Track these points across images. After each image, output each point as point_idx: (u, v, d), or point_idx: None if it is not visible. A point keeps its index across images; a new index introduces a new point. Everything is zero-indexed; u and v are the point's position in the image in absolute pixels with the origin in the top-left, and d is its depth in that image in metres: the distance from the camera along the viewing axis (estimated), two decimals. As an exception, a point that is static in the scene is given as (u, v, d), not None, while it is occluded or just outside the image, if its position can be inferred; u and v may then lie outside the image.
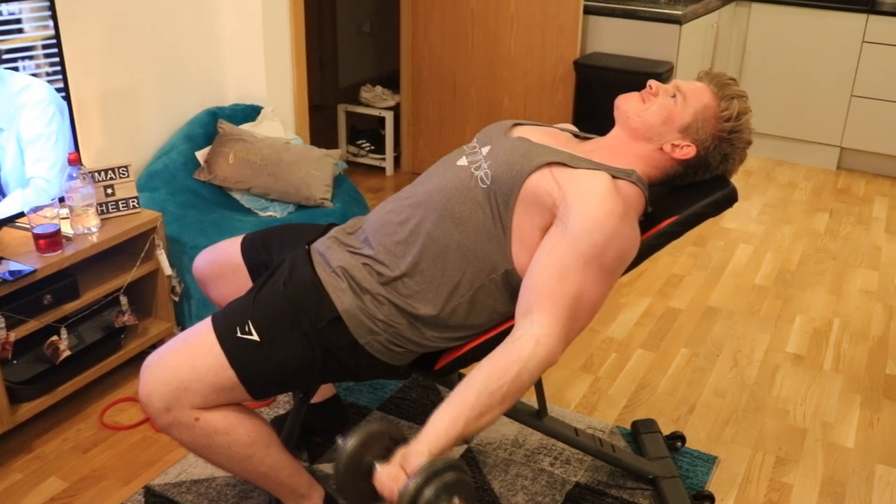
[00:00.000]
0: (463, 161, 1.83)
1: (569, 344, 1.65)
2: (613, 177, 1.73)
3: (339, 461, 1.49)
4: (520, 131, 1.91)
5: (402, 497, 1.40)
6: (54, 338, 2.44)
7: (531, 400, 2.48)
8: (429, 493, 1.40)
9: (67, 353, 2.46)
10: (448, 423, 1.52)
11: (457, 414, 1.52)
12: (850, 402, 2.75)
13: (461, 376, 2.10)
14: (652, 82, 1.87)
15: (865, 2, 4.75)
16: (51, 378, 2.45)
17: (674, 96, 1.85)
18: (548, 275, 1.61)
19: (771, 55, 5.06)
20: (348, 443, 1.50)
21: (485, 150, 1.83)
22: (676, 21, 4.03)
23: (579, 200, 1.64)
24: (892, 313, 3.35)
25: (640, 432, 2.47)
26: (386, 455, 1.52)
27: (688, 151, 1.83)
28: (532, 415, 2.15)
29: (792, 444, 2.53)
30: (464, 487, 1.44)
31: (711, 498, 2.23)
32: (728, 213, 1.89)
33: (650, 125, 1.83)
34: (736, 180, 1.94)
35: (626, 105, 1.87)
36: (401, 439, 1.57)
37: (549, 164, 1.72)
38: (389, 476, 1.47)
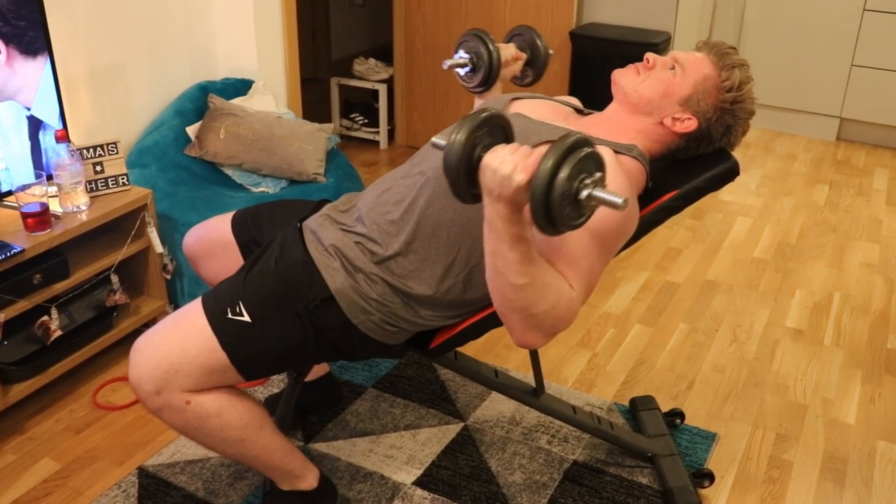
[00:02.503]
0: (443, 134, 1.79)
1: (574, 318, 1.61)
2: (615, 152, 1.69)
3: (455, 139, 1.36)
4: (518, 106, 1.86)
5: (536, 179, 1.27)
6: (45, 318, 2.41)
7: (528, 377, 2.45)
8: (564, 173, 1.27)
9: (59, 333, 2.43)
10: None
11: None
12: (851, 377, 2.73)
13: (457, 355, 2.08)
14: (649, 55, 1.82)
15: (866, -31, 4.68)
16: (42, 358, 2.42)
17: (672, 68, 1.80)
18: (559, 248, 1.55)
19: (770, 24, 4.99)
20: (457, 132, 1.36)
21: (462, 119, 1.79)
22: (674, -10, 3.96)
23: None
24: (893, 287, 3.32)
25: (638, 409, 2.45)
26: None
27: (689, 125, 1.79)
28: (529, 393, 2.12)
29: (792, 421, 2.51)
30: (599, 162, 1.33)
31: (711, 476, 2.21)
32: (727, 185, 1.85)
33: (648, 99, 1.79)
34: (734, 152, 1.90)
35: (623, 80, 1.83)
36: (512, 137, 1.45)
37: (547, 142, 1.68)
38: (511, 148, 1.36)
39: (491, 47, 2.05)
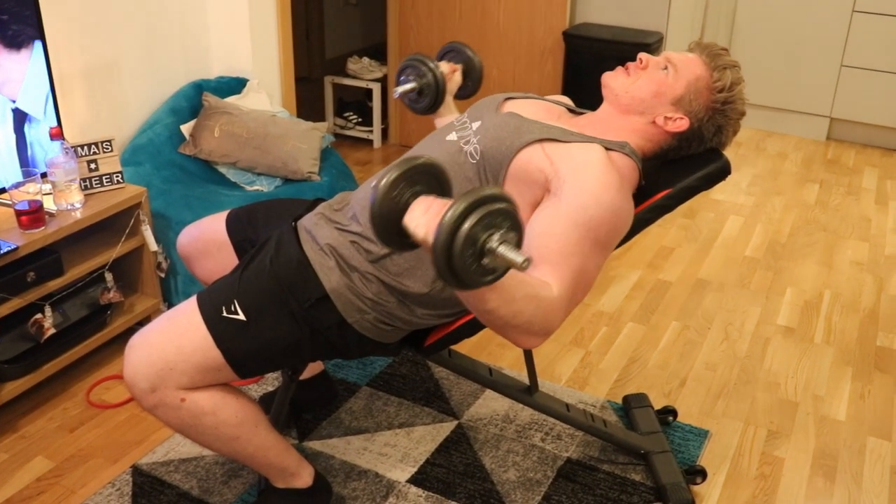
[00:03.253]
0: (453, 136, 1.80)
1: (566, 317, 1.61)
2: (607, 149, 1.70)
3: (378, 190, 1.32)
4: (511, 105, 1.88)
5: (440, 228, 1.22)
6: (38, 315, 2.41)
7: (522, 375, 2.47)
8: (471, 222, 1.21)
9: (52, 330, 2.43)
10: None
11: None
12: (842, 374, 2.75)
13: (451, 353, 2.09)
14: (642, 55, 1.83)
15: (856, -30, 4.71)
16: (36, 356, 2.42)
17: (665, 68, 1.81)
18: (546, 245, 1.55)
19: (761, 25, 5.02)
20: (390, 172, 1.32)
21: (475, 125, 1.80)
22: (666, -10, 3.98)
23: (574, 174, 1.61)
24: (882, 285, 3.35)
25: (631, 407, 2.46)
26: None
27: (681, 124, 1.80)
28: (523, 390, 2.13)
29: (783, 418, 2.52)
30: (513, 219, 1.27)
31: (703, 472, 2.23)
32: (718, 184, 1.87)
33: (640, 99, 1.80)
34: (726, 151, 1.91)
35: (613, 82, 1.84)
36: (448, 193, 1.41)
37: (541, 140, 1.69)
38: (426, 205, 1.33)
39: (433, 66, 2.10)
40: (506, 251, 1.24)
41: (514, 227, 1.27)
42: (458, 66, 2.20)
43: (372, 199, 1.33)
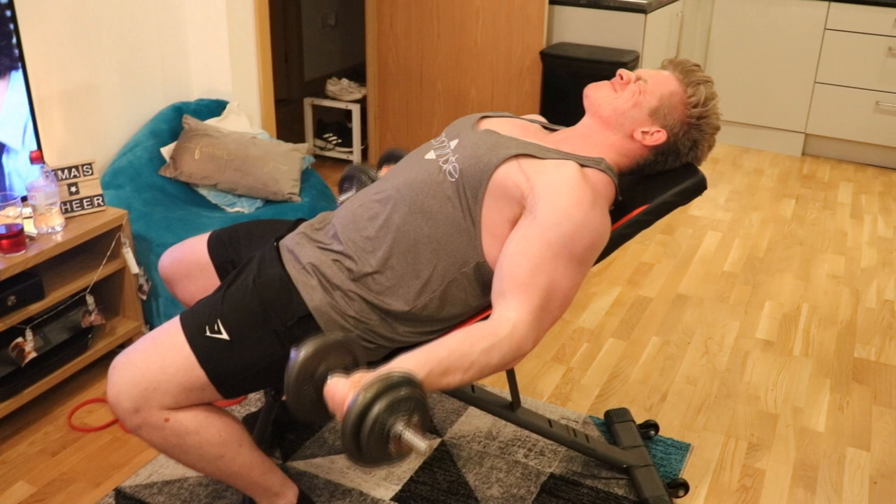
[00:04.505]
0: (431, 155, 1.82)
1: (542, 335, 1.64)
2: (582, 165, 1.72)
3: (292, 368, 1.41)
4: (488, 124, 1.90)
5: (349, 411, 1.31)
6: (19, 339, 2.40)
7: (504, 392, 2.48)
8: (379, 407, 1.30)
9: (33, 354, 2.42)
10: (412, 365, 1.47)
11: (424, 361, 1.48)
12: (820, 386, 2.78)
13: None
14: (622, 71, 1.86)
15: (827, -11, 4.79)
16: (16, 381, 2.41)
17: (637, 80, 1.85)
18: (518, 264, 1.60)
19: (735, 43, 5.09)
20: (304, 348, 1.41)
21: (453, 143, 1.82)
22: (642, 10, 4.03)
23: (547, 191, 1.64)
24: (858, 297, 3.39)
25: (613, 422, 2.48)
26: (343, 372, 1.45)
27: (658, 137, 1.83)
28: (505, 407, 2.14)
29: (764, 430, 2.55)
30: (419, 405, 1.36)
31: (685, 485, 2.24)
32: (696, 200, 1.90)
33: (622, 111, 1.83)
34: (703, 168, 1.94)
35: (596, 93, 1.87)
36: (362, 362, 1.50)
37: (517, 155, 1.71)
38: (340, 387, 1.39)
39: (372, 174, 2.16)
40: (409, 435, 1.33)
41: (416, 410, 1.36)
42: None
43: (286, 376, 1.43)
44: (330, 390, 1.40)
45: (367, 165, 2.19)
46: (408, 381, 1.36)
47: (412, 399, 1.35)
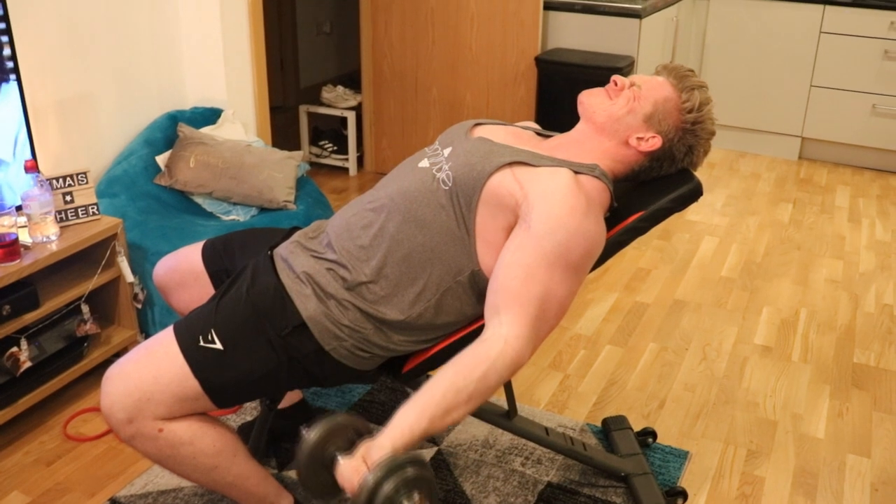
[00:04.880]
0: (425, 163, 1.81)
1: (539, 344, 1.63)
2: (575, 172, 1.72)
3: (302, 452, 1.48)
4: (481, 131, 1.89)
5: (360, 491, 1.39)
6: (14, 349, 2.39)
7: (501, 400, 2.47)
8: (388, 487, 1.38)
9: (28, 364, 2.41)
10: (413, 418, 1.49)
11: (422, 410, 1.51)
12: (819, 392, 2.77)
13: (430, 379, 2.08)
14: (616, 77, 1.86)
15: (822, -7, 4.80)
16: (11, 390, 2.40)
17: (631, 86, 1.85)
18: (513, 275, 1.59)
19: (730, 47, 5.09)
20: (311, 433, 1.48)
21: (446, 151, 1.81)
22: (636, 15, 4.03)
23: (541, 199, 1.63)
24: (857, 302, 3.38)
25: (610, 429, 2.47)
26: (349, 447, 1.51)
27: (653, 143, 1.82)
28: (502, 415, 2.13)
29: (763, 437, 2.54)
30: (425, 483, 1.43)
31: (684, 494, 2.23)
32: (692, 205, 1.90)
33: (617, 117, 1.82)
34: (699, 172, 1.94)
35: (591, 100, 1.86)
36: (365, 432, 1.55)
37: (511, 163, 1.70)
38: (351, 469, 1.45)
39: None
40: None
41: (423, 488, 1.43)
42: None
43: (297, 462, 1.51)
44: (341, 472, 1.46)
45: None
46: (412, 461, 1.42)
47: (418, 478, 1.41)
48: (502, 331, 1.57)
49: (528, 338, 1.58)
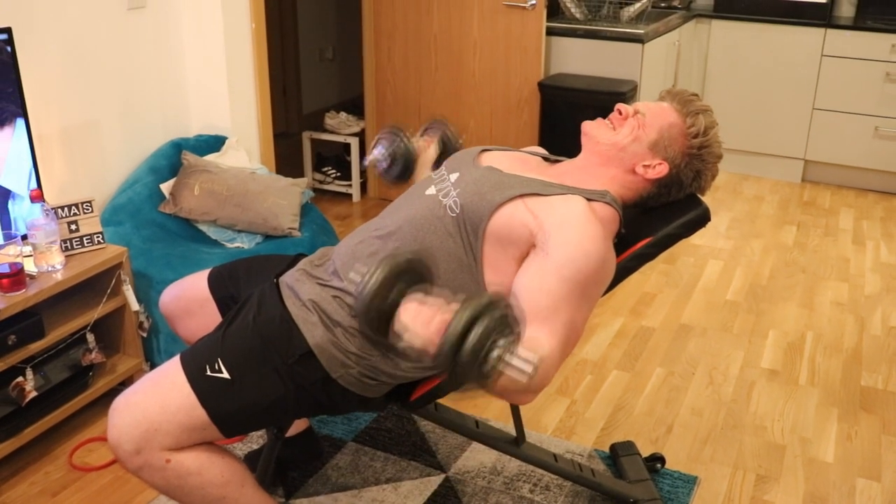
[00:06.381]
0: (431, 190, 1.81)
1: (558, 371, 1.62)
2: (588, 199, 1.71)
3: (363, 296, 1.34)
4: (488, 158, 1.89)
5: (446, 339, 1.25)
6: (20, 379, 2.38)
7: (508, 426, 2.46)
8: (476, 332, 1.24)
9: (34, 394, 2.40)
10: None
11: None
12: (828, 415, 2.75)
13: (437, 406, 2.08)
14: (620, 106, 1.86)
15: (823, 16, 4.82)
16: (17, 420, 2.39)
17: (635, 114, 1.85)
18: (537, 301, 1.57)
19: (732, 71, 5.11)
20: (373, 277, 1.34)
21: (453, 176, 1.81)
22: (639, 40, 4.05)
23: (558, 227, 1.63)
24: (863, 324, 3.37)
25: (619, 455, 2.45)
26: (418, 293, 1.38)
27: (660, 170, 1.82)
28: (510, 442, 2.12)
29: (772, 461, 2.52)
30: (514, 324, 1.30)
31: (694, 519, 2.21)
32: (697, 229, 1.92)
33: (621, 146, 1.82)
34: (703, 196, 1.94)
35: (595, 131, 1.86)
36: (431, 280, 1.43)
37: (522, 195, 1.70)
38: (415, 314, 1.34)
39: (405, 138, 2.14)
40: (512, 360, 1.26)
41: (513, 331, 1.29)
42: (435, 138, 2.22)
43: (358, 304, 1.35)
44: (407, 312, 1.35)
45: (399, 127, 2.17)
46: (500, 301, 1.30)
47: (507, 319, 1.29)
48: (544, 344, 1.54)
49: (556, 363, 1.56)
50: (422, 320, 1.34)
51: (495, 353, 1.26)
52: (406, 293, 1.38)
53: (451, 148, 2.22)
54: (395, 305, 1.36)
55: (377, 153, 2.16)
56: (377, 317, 1.38)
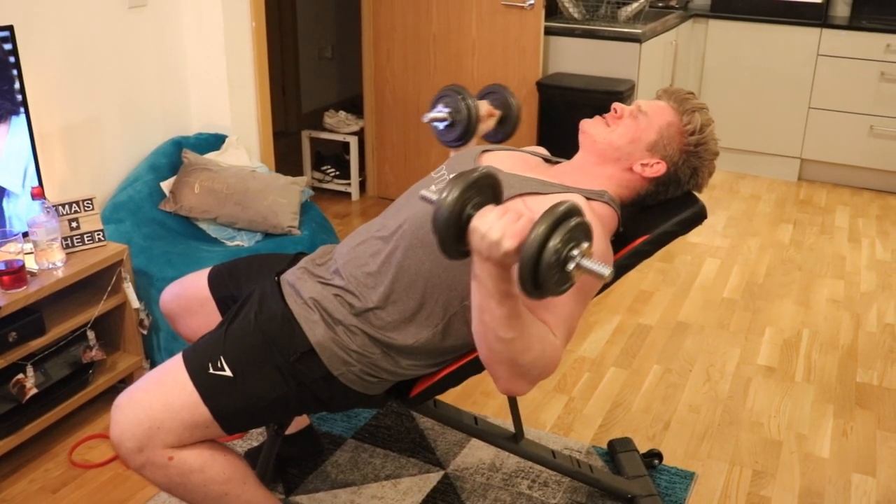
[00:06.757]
0: (432, 189, 1.82)
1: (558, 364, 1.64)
2: (587, 198, 1.73)
3: (440, 212, 1.38)
4: (489, 158, 1.91)
5: (527, 246, 1.29)
6: (20, 376, 2.39)
7: (507, 423, 2.47)
8: (554, 242, 1.29)
9: (34, 391, 2.41)
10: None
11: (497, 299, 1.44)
12: (823, 412, 2.77)
13: (437, 403, 2.10)
14: (616, 105, 1.88)
15: (819, 16, 4.84)
16: (17, 417, 2.40)
17: (637, 117, 1.86)
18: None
19: (729, 70, 5.13)
20: (450, 191, 1.37)
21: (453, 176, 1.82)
22: (636, 40, 4.07)
23: None
24: (859, 321, 3.39)
25: (616, 451, 2.47)
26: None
27: (658, 169, 1.84)
28: (508, 438, 2.14)
29: (768, 457, 2.54)
30: (590, 233, 1.36)
31: (691, 515, 2.23)
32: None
33: (617, 146, 1.84)
34: (701, 195, 1.95)
35: (592, 129, 1.88)
36: (500, 196, 1.46)
37: (521, 194, 1.72)
38: (500, 211, 1.37)
39: (469, 103, 2.10)
40: (590, 264, 1.32)
41: (588, 238, 1.36)
42: (497, 114, 2.19)
43: (438, 204, 1.39)
44: (484, 217, 1.38)
45: (465, 89, 2.11)
46: (575, 210, 1.34)
47: (580, 227, 1.34)
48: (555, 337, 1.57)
49: (559, 354, 1.57)
50: (509, 218, 1.37)
51: (576, 253, 1.32)
52: (480, 206, 1.42)
53: (511, 122, 2.20)
54: (467, 215, 1.41)
55: (438, 111, 2.12)
56: (457, 223, 1.41)
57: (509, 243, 1.34)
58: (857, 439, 2.64)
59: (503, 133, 2.23)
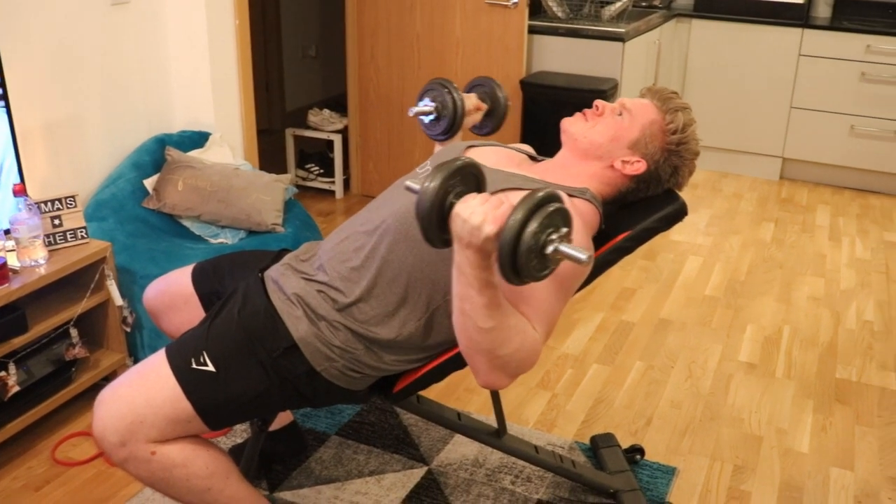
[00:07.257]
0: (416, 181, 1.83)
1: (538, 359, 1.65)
2: (569, 195, 1.74)
3: (423, 199, 1.40)
4: (473, 153, 1.92)
5: (506, 230, 1.32)
6: (2, 373, 2.38)
7: (490, 419, 2.49)
8: (535, 223, 1.32)
9: (16, 388, 2.40)
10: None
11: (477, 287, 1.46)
12: (803, 407, 2.80)
13: (420, 399, 2.10)
14: (598, 102, 1.89)
15: (800, 17, 4.88)
16: (-1, 415, 2.39)
17: (620, 114, 1.88)
18: (519, 292, 1.59)
19: (712, 70, 5.16)
20: (431, 180, 1.39)
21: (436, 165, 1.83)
22: (620, 39, 4.09)
23: None
24: (839, 319, 3.42)
25: (599, 447, 2.49)
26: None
27: (638, 167, 1.85)
28: (491, 434, 2.15)
29: (748, 452, 2.56)
30: (568, 219, 1.38)
31: (672, 509, 2.25)
32: (677, 225, 1.93)
33: (598, 144, 1.85)
34: (682, 193, 1.97)
35: (572, 127, 1.89)
36: (484, 185, 1.48)
37: (503, 189, 1.73)
38: (482, 198, 1.39)
39: (455, 96, 2.10)
40: (568, 249, 1.35)
41: (567, 223, 1.38)
42: (484, 107, 2.20)
43: (422, 191, 1.41)
44: (467, 202, 1.40)
45: (451, 82, 2.11)
46: (553, 197, 1.37)
47: (559, 213, 1.36)
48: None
49: (538, 350, 1.59)
50: (491, 204, 1.39)
51: (555, 238, 1.35)
52: (462, 194, 1.44)
53: (500, 110, 2.21)
54: (450, 203, 1.43)
55: (424, 105, 2.12)
56: (439, 210, 1.42)
57: (490, 228, 1.36)
58: (836, 434, 2.67)
59: (490, 126, 2.24)
